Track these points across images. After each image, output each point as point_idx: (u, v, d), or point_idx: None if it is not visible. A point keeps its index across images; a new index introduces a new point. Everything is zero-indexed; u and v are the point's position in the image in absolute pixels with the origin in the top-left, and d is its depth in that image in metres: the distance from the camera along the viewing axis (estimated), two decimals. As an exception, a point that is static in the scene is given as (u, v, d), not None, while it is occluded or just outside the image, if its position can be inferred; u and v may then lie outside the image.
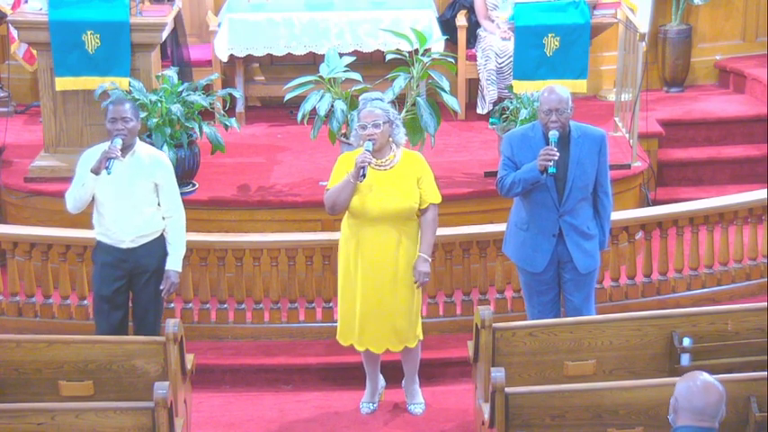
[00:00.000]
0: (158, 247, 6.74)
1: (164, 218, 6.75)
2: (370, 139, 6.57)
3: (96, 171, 6.48)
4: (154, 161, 6.71)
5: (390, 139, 6.69)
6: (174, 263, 6.75)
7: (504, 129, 8.29)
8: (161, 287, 6.72)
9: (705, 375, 4.75)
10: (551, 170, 6.45)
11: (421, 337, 6.92)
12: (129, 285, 6.76)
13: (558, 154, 6.44)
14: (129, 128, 6.55)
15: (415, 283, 6.74)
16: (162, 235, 6.76)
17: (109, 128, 6.57)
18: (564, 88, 6.66)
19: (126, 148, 6.56)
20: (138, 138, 6.73)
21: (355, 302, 6.75)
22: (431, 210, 6.76)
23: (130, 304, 6.85)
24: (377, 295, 6.71)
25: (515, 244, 6.84)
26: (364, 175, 6.51)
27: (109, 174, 6.44)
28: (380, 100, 6.76)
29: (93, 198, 6.68)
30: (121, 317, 6.79)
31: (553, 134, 6.51)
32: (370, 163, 6.54)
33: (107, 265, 6.73)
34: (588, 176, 6.65)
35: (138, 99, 7.99)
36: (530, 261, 6.76)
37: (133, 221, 6.65)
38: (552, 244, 6.69)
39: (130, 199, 6.62)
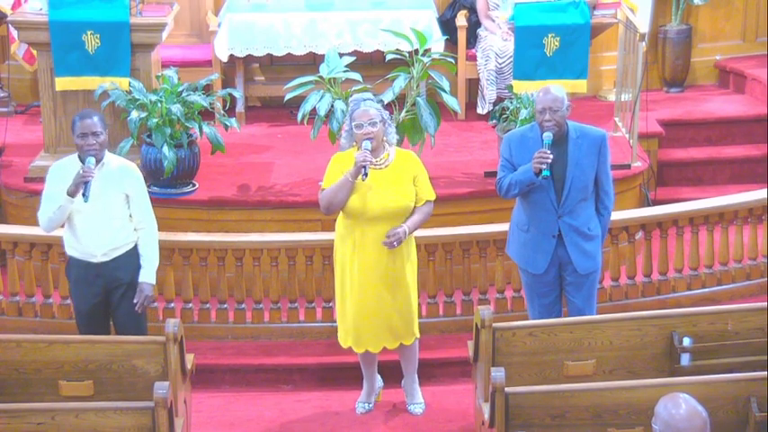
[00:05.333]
0: (132, 259, 6.58)
1: (136, 230, 6.60)
2: (367, 138, 6.55)
3: (72, 194, 6.34)
4: (124, 172, 6.54)
5: (384, 138, 6.68)
6: (147, 275, 6.57)
7: (504, 129, 8.30)
8: (135, 300, 6.55)
9: (687, 400, 4.59)
10: (545, 173, 6.41)
11: (417, 335, 6.92)
12: (106, 300, 6.62)
13: (551, 156, 6.42)
14: (101, 142, 6.40)
15: (387, 238, 6.56)
16: (135, 247, 6.60)
17: (79, 143, 6.40)
18: (559, 88, 6.64)
19: (96, 162, 6.40)
20: (106, 150, 6.53)
21: (351, 303, 6.74)
22: (426, 204, 6.74)
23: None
24: (373, 294, 6.69)
25: (517, 245, 6.83)
26: (366, 174, 6.49)
27: (86, 201, 6.30)
28: (372, 100, 6.73)
29: None
30: (102, 331, 6.66)
31: (547, 136, 6.49)
32: (371, 162, 6.54)
33: (81, 282, 6.60)
34: (587, 177, 6.62)
35: (138, 99, 7.99)
36: (531, 262, 6.75)
37: (105, 234, 6.49)
38: (552, 245, 6.67)
39: (102, 211, 6.44)
